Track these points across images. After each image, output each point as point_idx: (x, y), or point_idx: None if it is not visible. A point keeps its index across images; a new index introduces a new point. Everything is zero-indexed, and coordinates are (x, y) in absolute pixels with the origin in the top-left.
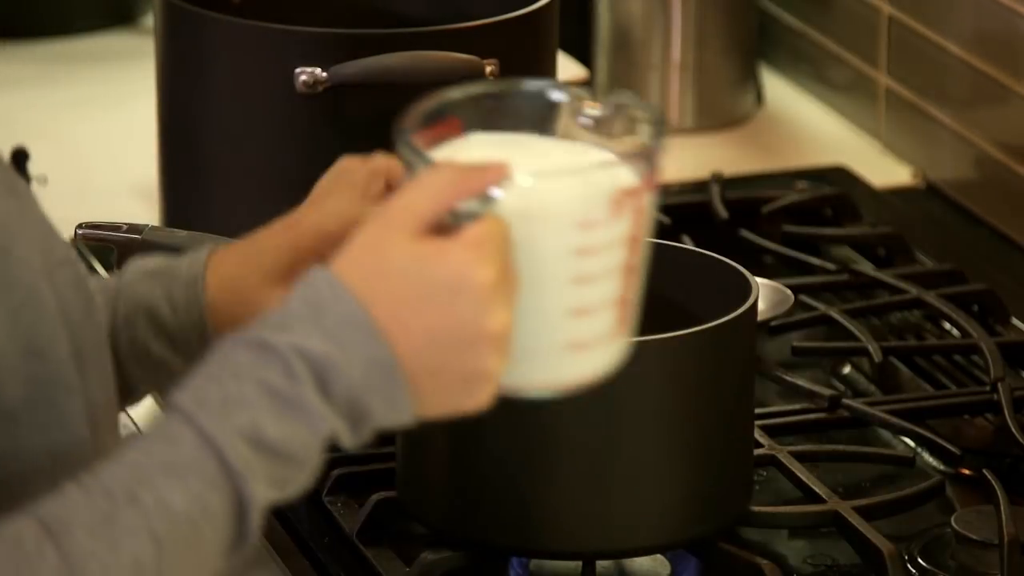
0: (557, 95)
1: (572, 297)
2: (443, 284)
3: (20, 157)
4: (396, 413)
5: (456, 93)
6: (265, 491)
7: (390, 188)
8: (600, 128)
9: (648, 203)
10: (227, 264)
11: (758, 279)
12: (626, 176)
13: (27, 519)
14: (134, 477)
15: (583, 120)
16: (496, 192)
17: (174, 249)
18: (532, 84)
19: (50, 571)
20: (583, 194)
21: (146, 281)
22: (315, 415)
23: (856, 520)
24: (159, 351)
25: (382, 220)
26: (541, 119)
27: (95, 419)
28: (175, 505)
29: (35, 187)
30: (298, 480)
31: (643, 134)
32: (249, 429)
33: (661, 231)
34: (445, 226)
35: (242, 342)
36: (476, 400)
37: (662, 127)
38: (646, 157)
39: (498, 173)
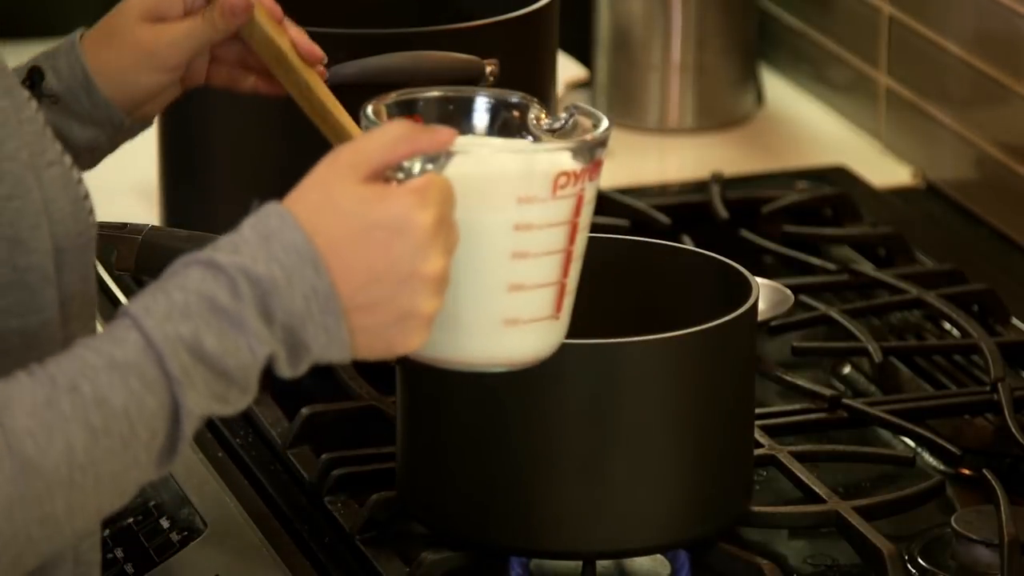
0: (512, 105)
1: (509, 271)
2: (384, 224)
3: (36, 75)
4: (333, 346)
5: (420, 93)
6: (200, 402)
7: None
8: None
9: (589, 194)
10: (96, 28)
11: (758, 279)
12: (567, 162)
13: None
14: (78, 369)
15: (538, 130)
16: (443, 155)
17: (174, 249)
18: (490, 92)
19: None
20: (524, 169)
21: (33, 62)
22: (254, 335)
23: (856, 520)
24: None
25: (332, 162)
26: (498, 127)
27: (68, 310)
28: (113, 400)
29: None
30: (235, 400)
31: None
32: (190, 339)
33: (661, 231)
34: (390, 180)
35: (194, 261)
36: (407, 341)
37: (606, 127)
38: (588, 148)
39: (447, 136)
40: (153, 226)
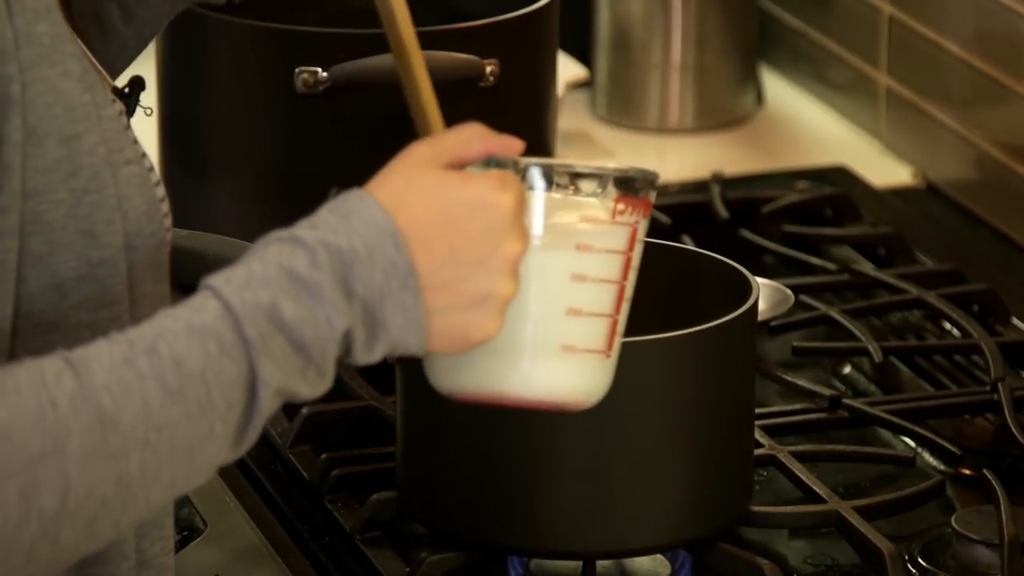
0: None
1: (569, 293)
2: (466, 202)
3: (138, 85)
4: (409, 327)
5: (515, 160)
6: (276, 374)
7: None
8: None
9: (641, 232)
10: None
11: (758, 279)
12: (627, 190)
13: (53, 356)
14: (156, 333)
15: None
16: (510, 165)
17: (174, 247)
18: (566, 163)
19: (66, 396)
20: (588, 189)
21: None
22: (331, 306)
23: (856, 520)
24: None
25: (409, 155)
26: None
27: (139, 309)
28: (190, 362)
29: (140, 115)
30: (312, 381)
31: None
32: (268, 305)
33: (661, 231)
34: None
35: (275, 238)
36: (484, 325)
37: (654, 176)
38: (645, 183)
39: (518, 144)
40: None
